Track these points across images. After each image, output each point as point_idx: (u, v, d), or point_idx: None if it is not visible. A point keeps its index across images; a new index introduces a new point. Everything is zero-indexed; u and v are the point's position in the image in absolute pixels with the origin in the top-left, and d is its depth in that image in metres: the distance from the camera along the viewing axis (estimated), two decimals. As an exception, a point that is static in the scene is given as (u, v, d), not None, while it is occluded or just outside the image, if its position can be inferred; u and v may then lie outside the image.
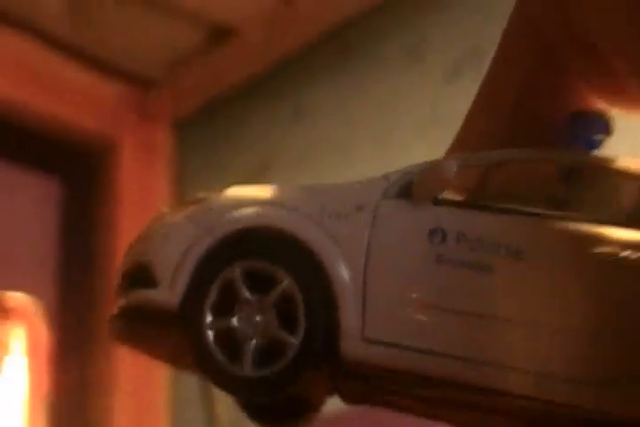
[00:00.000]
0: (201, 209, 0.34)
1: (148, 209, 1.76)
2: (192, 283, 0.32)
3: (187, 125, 1.86)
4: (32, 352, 1.05)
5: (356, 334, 0.31)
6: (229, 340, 0.32)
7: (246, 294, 0.32)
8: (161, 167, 1.85)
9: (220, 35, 1.70)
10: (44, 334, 1.07)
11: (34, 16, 1.64)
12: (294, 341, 0.31)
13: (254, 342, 0.31)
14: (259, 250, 0.32)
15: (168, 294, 0.33)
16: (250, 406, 0.33)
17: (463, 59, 1.45)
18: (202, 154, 1.83)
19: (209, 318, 0.32)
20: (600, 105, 0.35)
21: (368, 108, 1.57)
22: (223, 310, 0.32)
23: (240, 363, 0.31)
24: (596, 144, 0.33)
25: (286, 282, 0.32)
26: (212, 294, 0.32)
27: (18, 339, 1.04)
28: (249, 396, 0.32)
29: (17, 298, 1.05)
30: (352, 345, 0.31)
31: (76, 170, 1.84)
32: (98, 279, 1.69)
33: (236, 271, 0.32)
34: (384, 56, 1.57)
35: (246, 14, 1.63)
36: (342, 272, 0.31)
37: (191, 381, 1.52)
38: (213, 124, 1.82)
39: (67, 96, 1.74)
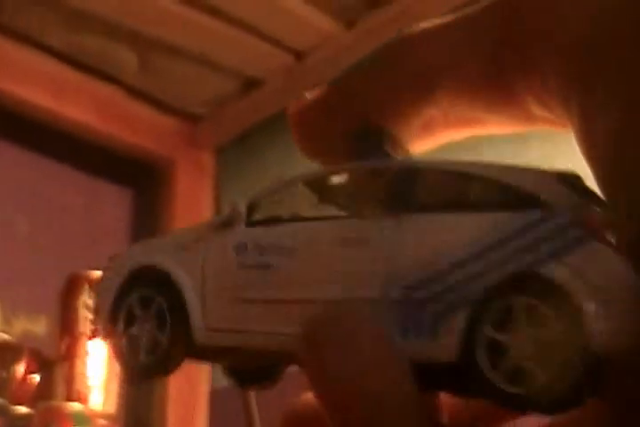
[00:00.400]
0: (113, 261, 0.39)
1: (197, 214, 1.95)
2: (112, 307, 0.38)
3: (225, 151, 2.02)
4: None
5: (202, 326, 0.36)
6: (134, 341, 0.37)
7: (138, 311, 0.37)
8: (206, 183, 2.01)
9: (250, 83, 1.88)
10: None
11: (114, 68, 1.85)
12: (165, 337, 0.37)
13: (144, 340, 0.37)
14: (143, 281, 0.38)
15: (99, 317, 0.39)
16: (229, 374, 0.38)
17: None
18: (237, 174, 1.98)
19: (121, 328, 0.38)
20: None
21: None
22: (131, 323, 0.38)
23: (137, 355, 0.37)
24: (383, 156, 0.35)
25: (157, 299, 0.37)
26: (123, 314, 0.38)
27: None
28: (143, 377, 0.39)
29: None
30: (200, 334, 0.36)
31: (143, 184, 2.01)
32: None
33: (134, 297, 0.38)
34: None
35: (270, 68, 1.82)
36: (188, 286, 0.36)
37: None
38: (246, 150, 1.97)
39: (136, 127, 1.94)
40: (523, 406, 0.29)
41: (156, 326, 0.37)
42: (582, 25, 0.30)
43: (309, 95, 0.37)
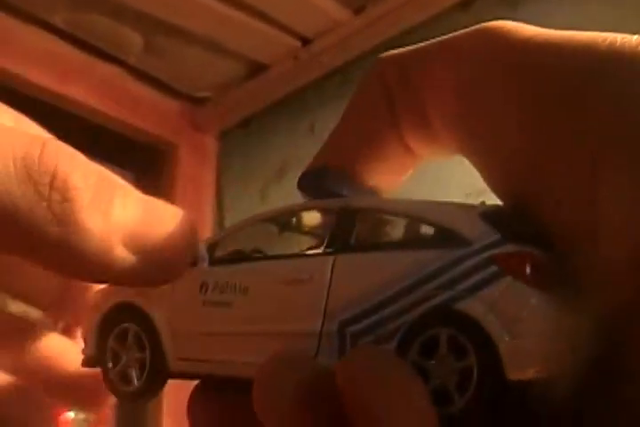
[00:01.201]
0: (96, 297, 0.44)
1: (199, 199, 1.97)
2: (98, 340, 0.42)
3: (228, 135, 2.05)
4: None
5: (173, 356, 0.40)
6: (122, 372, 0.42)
7: (119, 345, 0.42)
8: (208, 166, 2.03)
9: (255, 67, 1.90)
10: None
11: (118, 49, 1.84)
12: (145, 364, 0.41)
13: (130, 371, 0.41)
14: (124, 315, 0.42)
15: (88, 349, 0.43)
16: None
17: None
18: (238, 157, 2.01)
19: (109, 364, 0.42)
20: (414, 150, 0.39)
21: None
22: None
23: (129, 382, 0.41)
24: (339, 194, 0.38)
25: (133, 331, 0.41)
26: (109, 350, 0.42)
27: None
28: (133, 400, 0.42)
29: None
30: (173, 363, 0.40)
31: (145, 166, 2.00)
32: None
33: (115, 332, 0.42)
34: None
35: (274, 53, 1.83)
36: (161, 319, 0.40)
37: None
38: (248, 134, 2.00)
39: (140, 110, 1.94)
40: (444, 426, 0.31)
41: (137, 356, 0.41)
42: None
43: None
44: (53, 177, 0.32)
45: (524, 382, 0.31)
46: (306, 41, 1.81)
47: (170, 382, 0.42)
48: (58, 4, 1.73)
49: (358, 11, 1.73)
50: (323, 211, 0.39)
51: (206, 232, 1.94)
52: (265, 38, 1.79)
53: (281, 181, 1.90)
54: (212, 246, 0.40)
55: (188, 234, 0.36)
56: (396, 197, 0.40)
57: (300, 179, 0.39)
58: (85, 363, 0.44)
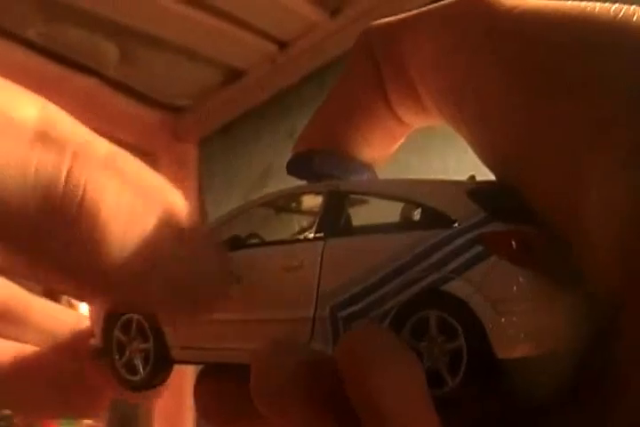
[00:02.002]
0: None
1: None
2: (105, 331, 0.44)
3: (208, 143, 2.05)
4: None
5: (175, 345, 0.41)
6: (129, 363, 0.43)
7: (124, 336, 0.43)
8: (189, 175, 2.02)
9: (232, 74, 1.89)
10: None
11: (93, 60, 1.84)
12: (149, 354, 0.42)
13: (138, 358, 0.43)
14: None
15: (96, 340, 0.45)
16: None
17: None
18: (219, 165, 2.01)
19: (116, 356, 0.44)
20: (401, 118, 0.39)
21: None
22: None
23: (135, 372, 0.43)
24: (325, 176, 0.38)
25: (136, 320, 0.43)
26: (114, 342, 0.44)
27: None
28: (140, 390, 0.43)
29: None
30: (175, 352, 0.41)
31: None
32: None
33: (120, 321, 0.44)
34: None
35: (252, 59, 1.83)
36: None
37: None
38: (228, 142, 1.99)
39: (117, 120, 1.90)
40: (436, 406, 0.32)
41: (141, 346, 0.43)
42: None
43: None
44: (81, 201, 0.30)
45: (516, 361, 0.32)
46: (282, 45, 1.81)
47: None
48: (31, 16, 1.73)
49: (334, 13, 1.73)
50: (311, 195, 0.40)
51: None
52: (241, 43, 1.79)
53: (264, 188, 1.90)
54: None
55: (221, 267, 0.36)
56: (386, 177, 0.40)
57: (288, 164, 0.40)
58: (94, 355, 0.45)
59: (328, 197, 0.38)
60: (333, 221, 0.38)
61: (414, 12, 0.38)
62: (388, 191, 0.37)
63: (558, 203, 0.32)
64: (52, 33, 1.77)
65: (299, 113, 1.86)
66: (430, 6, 0.37)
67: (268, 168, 1.90)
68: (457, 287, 0.33)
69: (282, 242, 0.39)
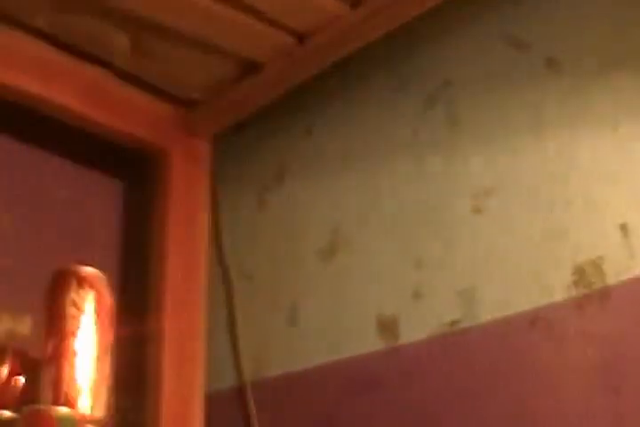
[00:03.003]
0: None
1: (192, 206, 1.97)
2: None
3: (221, 138, 2.04)
4: (99, 312, 1.16)
5: None
6: None
7: None
8: (201, 171, 2.01)
9: (248, 67, 1.88)
10: (108, 299, 1.18)
11: (105, 51, 1.84)
12: None
13: None
14: None
15: None
16: None
17: (437, 91, 1.65)
18: (233, 161, 2.02)
19: None
20: None
21: (363, 126, 1.77)
22: None
23: None
24: None
25: None
26: None
27: (90, 302, 1.15)
28: None
29: (89, 271, 1.17)
30: None
31: (134, 174, 2.01)
32: (151, 258, 1.89)
33: None
34: (374, 85, 1.78)
35: (268, 51, 1.82)
36: None
37: (222, 334, 1.86)
38: (242, 137, 2.01)
39: (128, 114, 1.93)
40: None
41: None
42: None
43: None
44: None
45: None
46: (301, 37, 1.79)
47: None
48: (41, 5, 1.73)
49: (355, 5, 1.71)
50: None
51: (202, 243, 1.93)
52: (258, 36, 1.78)
53: (279, 187, 1.89)
54: None
55: None
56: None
57: None
58: None
59: None
60: None
61: None
62: None
63: None
64: (61, 22, 1.75)
65: (317, 109, 1.88)
66: None
67: (283, 167, 1.90)
68: None
69: None
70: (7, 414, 1.09)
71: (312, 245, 1.79)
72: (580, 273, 1.35)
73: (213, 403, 1.82)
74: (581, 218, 1.38)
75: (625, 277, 1.30)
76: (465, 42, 1.66)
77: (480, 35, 1.63)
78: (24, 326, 1.58)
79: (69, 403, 1.07)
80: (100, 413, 1.11)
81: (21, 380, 1.13)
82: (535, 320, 1.37)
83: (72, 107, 1.83)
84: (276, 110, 1.93)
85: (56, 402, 1.07)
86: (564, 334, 1.34)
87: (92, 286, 1.17)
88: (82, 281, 1.16)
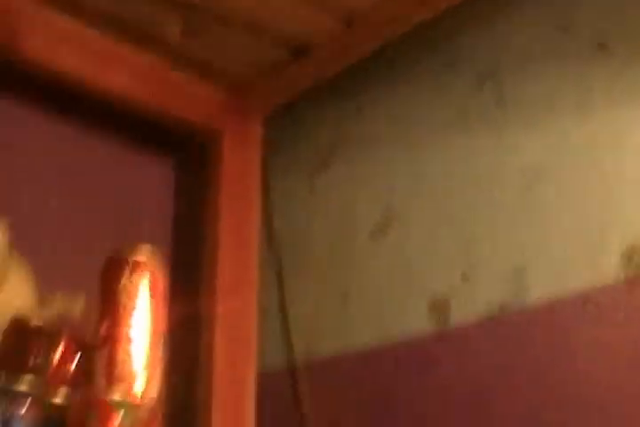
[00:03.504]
0: None
1: (244, 188, 1.98)
2: None
3: (273, 120, 2.03)
4: (153, 296, 1.18)
5: None
6: None
7: None
8: (254, 153, 2.01)
9: (298, 49, 1.89)
10: (162, 281, 1.21)
11: (156, 34, 1.84)
12: None
13: None
14: None
15: None
16: None
17: (486, 70, 1.66)
18: (284, 143, 2.03)
19: None
20: None
21: (412, 106, 1.77)
22: None
23: None
24: None
25: None
26: None
27: (144, 286, 1.17)
28: None
29: (143, 251, 1.20)
30: None
31: (186, 157, 2.04)
32: (203, 238, 1.91)
33: None
34: (421, 66, 1.79)
35: (317, 34, 1.83)
36: None
37: (274, 315, 1.87)
38: (293, 119, 2.02)
39: (180, 97, 1.94)
40: None
41: None
42: None
43: None
44: None
45: None
46: (349, 22, 1.80)
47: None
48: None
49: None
50: None
51: (254, 225, 1.94)
52: (307, 19, 1.79)
53: (330, 169, 1.90)
54: None
55: None
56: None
57: None
58: None
59: None
60: None
61: None
62: None
63: None
64: (113, 6, 1.76)
65: (366, 90, 1.88)
66: None
67: (334, 148, 1.91)
68: None
69: None
70: (58, 399, 1.11)
71: (364, 226, 1.80)
72: (630, 254, 1.34)
73: (265, 384, 1.83)
74: (633, 199, 1.38)
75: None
76: (514, 23, 1.65)
77: (529, 15, 1.63)
78: (78, 309, 1.56)
79: (123, 386, 1.08)
80: (153, 395, 1.12)
81: (74, 363, 1.15)
82: (586, 302, 1.37)
83: (124, 90, 1.84)
84: (325, 92, 1.94)
85: (109, 385, 1.08)
86: (615, 317, 1.34)
87: (145, 269, 1.19)
88: (135, 265, 1.18)
